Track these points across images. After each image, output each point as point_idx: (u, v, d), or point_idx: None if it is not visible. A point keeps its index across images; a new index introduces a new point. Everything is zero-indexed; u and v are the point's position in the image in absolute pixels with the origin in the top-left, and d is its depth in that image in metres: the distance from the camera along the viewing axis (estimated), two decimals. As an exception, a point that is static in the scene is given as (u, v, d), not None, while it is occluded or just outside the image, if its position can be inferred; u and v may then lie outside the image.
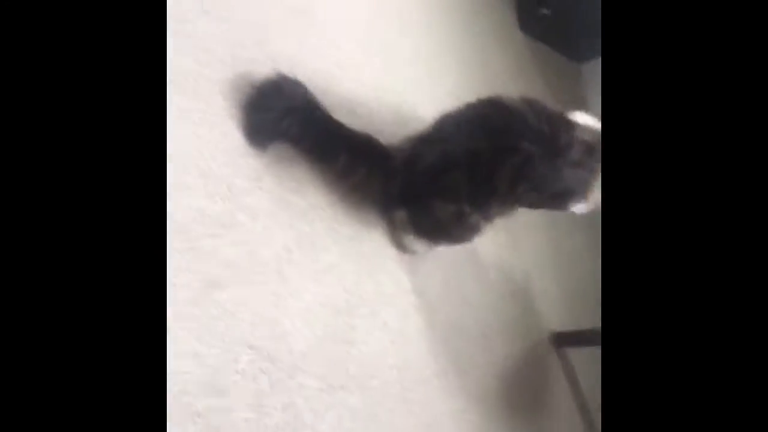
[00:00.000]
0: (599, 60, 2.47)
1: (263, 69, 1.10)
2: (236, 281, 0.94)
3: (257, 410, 0.91)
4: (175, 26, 0.99)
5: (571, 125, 1.14)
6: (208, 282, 0.91)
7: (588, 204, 1.23)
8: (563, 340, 1.75)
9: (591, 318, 1.89)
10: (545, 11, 2.18)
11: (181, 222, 0.90)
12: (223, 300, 0.92)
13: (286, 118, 1.05)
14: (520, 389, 1.54)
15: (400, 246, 1.30)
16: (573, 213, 1.29)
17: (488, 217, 1.22)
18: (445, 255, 1.41)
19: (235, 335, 0.92)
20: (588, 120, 1.18)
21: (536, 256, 1.86)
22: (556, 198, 1.20)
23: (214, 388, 0.87)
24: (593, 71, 2.51)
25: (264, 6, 1.18)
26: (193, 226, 0.91)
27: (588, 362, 1.79)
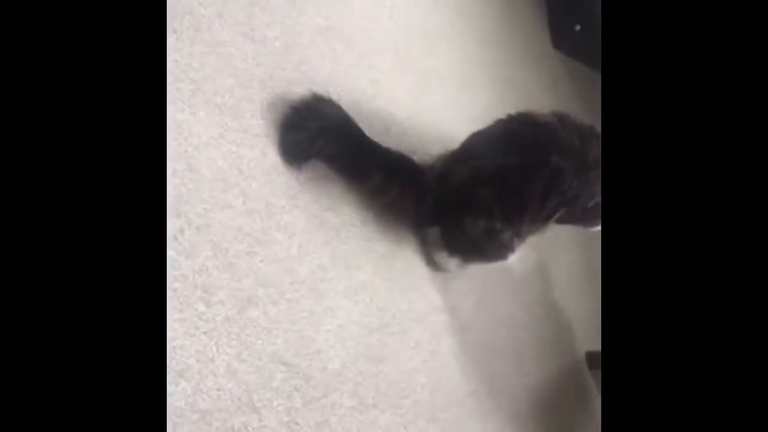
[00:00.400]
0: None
1: (299, 89, 1.12)
2: (272, 299, 0.96)
3: (291, 428, 0.92)
4: (217, 48, 1.02)
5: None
6: (245, 299, 0.92)
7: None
8: (598, 360, 1.71)
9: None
10: (577, 27, 2.17)
11: (220, 240, 0.91)
12: (259, 317, 0.93)
13: (321, 138, 1.07)
14: (554, 410, 1.52)
15: (433, 264, 1.30)
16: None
17: (520, 234, 1.21)
18: (478, 274, 1.40)
19: (270, 353, 0.92)
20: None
21: (570, 275, 1.83)
22: (588, 213, 1.19)
23: (249, 405, 0.88)
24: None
25: (299, 28, 1.20)
26: (232, 244, 0.93)
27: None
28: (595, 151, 1.10)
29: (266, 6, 1.14)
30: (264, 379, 0.91)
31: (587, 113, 2.19)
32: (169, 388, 0.78)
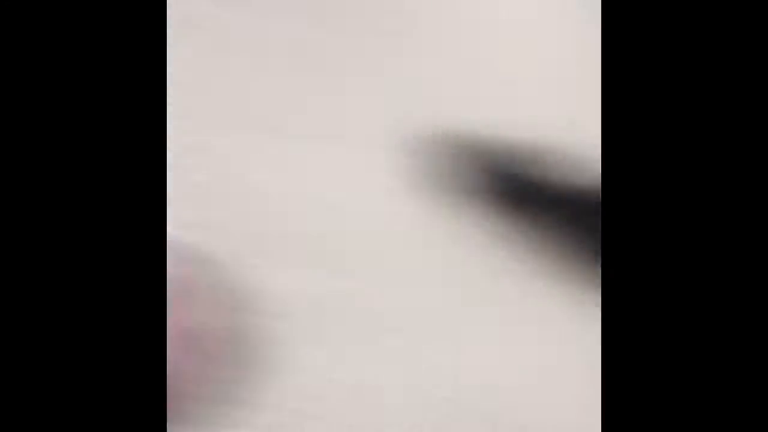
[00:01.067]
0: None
1: (432, 122, 1.12)
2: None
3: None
4: (360, 80, 1.05)
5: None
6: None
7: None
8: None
9: None
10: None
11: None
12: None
13: (457, 174, 1.06)
14: None
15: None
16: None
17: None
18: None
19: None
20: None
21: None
22: None
23: None
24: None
25: (437, 62, 1.21)
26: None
27: None
28: None
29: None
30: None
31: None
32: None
